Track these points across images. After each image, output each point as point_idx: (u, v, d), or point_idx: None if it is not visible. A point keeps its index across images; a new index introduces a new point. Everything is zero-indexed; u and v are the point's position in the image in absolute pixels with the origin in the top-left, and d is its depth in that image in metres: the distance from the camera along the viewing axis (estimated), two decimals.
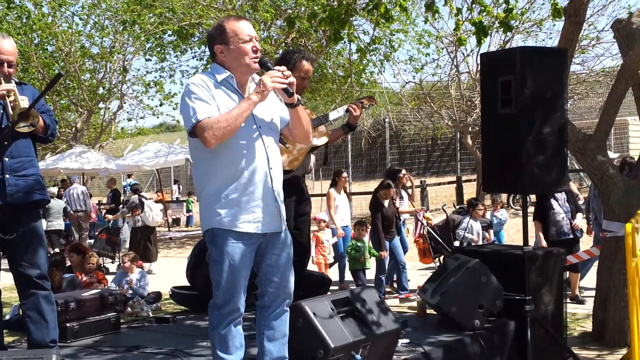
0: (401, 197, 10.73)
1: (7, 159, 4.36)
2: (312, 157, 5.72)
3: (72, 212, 15.95)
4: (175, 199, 26.13)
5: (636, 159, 7.45)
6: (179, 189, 28.23)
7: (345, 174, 11.02)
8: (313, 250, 9.77)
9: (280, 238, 3.88)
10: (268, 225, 3.78)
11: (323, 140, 5.48)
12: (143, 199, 13.49)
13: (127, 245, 13.79)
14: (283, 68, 3.77)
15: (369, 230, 9.50)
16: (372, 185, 23.02)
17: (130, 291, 8.67)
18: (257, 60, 3.80)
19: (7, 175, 4.34)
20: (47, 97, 4.86)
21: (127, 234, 14.09)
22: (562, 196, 8.77)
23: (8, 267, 4.54)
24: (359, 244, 9.22)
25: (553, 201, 8.69)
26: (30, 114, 4.28)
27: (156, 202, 24.78)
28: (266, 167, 3.78)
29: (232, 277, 3.70)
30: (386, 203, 9.45)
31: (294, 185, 5.23)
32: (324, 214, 10.76)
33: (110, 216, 15.82)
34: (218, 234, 3.70)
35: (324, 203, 21.20)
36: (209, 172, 3.73)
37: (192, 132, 3.64)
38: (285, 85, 3.72)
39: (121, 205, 20.17)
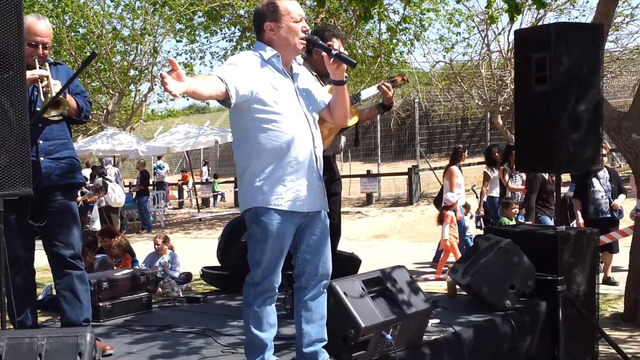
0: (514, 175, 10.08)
1: (41, 142, 4.37)
2: (343, 138, 5.68)
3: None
4: (205, 180, 26.29)
5: None
6: (208, 170, 28.38)
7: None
8: (446, 232, 9.52)
9: (319, 218, 3.87)
10: (312, 204, 3.78)
11: (354, 120, 5.44)
12: (107, 182, 14.66)
13: (95, 225, 14.67)
14: (336, 45, 3.76)
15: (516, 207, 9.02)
16: (401, 166, 23.04)
17: (162, 272, 8.76)
18: (305, 41, 3.78)
19: (42, 158, 4.35)
20: (78, 79, 4.84)
21: (97, 214, 14.83)
22: (604, 174, 8.67)
23: (42, 247, 4.58)
24: (511, 223, 8.67)
25: (594, 179, 8.60)
26: (60, 101, 4.26)
27: (183, 183, 25.16)
28: (311, 145, 3.78)
29: (274, 255, 3.71)
30: (546, 175, 8.88)
31: (325, 166, 5.20)
32: (451, 195, 10.01)
33: (79, 198, 16.21)
34: (262, 212, 3.67)
35: (353, 184, 21.30)
36: (253, 149, 3.69)
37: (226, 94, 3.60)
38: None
39: (150, 187, 20.42)
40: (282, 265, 3.79)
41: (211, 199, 24.06)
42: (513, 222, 8.71)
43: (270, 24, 3.75)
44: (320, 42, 3.80)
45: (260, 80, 3.66)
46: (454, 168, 10.15)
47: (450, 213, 9.66)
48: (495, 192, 10.46)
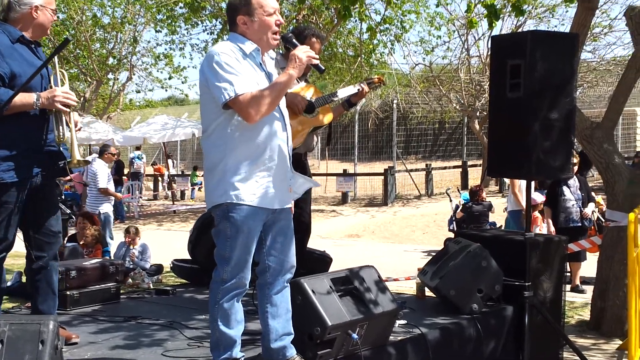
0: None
1: (55, 132, 4.19)
2: (316, 137, 5.70)
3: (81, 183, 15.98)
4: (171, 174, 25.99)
5: None
6: (173, 163, 27.83)
7: None
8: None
9: (285, 213, 3.88)
10: (280, 201, 3.78)
11: (328, 117, 5.45)
12: None
13: None
14: (307, 47, 3.75)
15: None
16: (378, 166, 23.12)
17: (131, 262, 8.72)
18: (278, 36, 3.77)
19: (62, 148, 4.21)
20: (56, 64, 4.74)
21: None
22: (574, 183, 8.75)
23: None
24: None
25: (564, 187, 8.67)
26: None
27: (158, 175, 24.95)
28: (285, 143, 3.78)
29: (243, 253, 3.69)
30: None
31: (295, 163, 5.20)
32: (537, 195, 9.44)
33: None
34: (233, 208, 3.64)
35: (329, 183, 21.33)
36: (227, 145, 3.64)
37: (227, 105, 3.58)
38: (317, 61, 3.74)
39: (125, 177, 20.28)
40: (251, 261, 3.78)
41: (187, 192, 23.96)
42: None
43: (243, 17, 3.70)
44: (293, 40, 3.81)
45: (244, 76, 3.62)
46: None
47: (536, 214, 9.52)
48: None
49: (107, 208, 10.25)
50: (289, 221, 3.92)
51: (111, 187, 10.50)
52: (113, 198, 10.55)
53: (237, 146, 3.64)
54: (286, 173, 3.81)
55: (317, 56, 3.74)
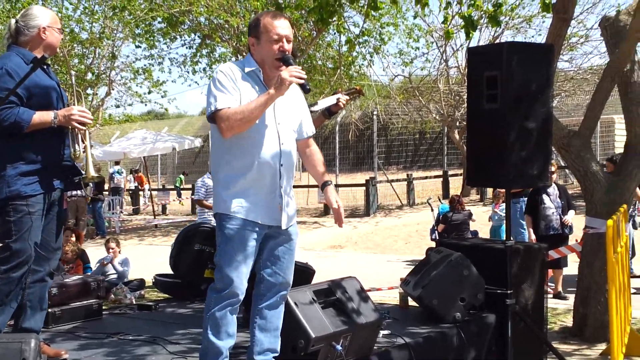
0: None
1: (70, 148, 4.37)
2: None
3: (67, 196, 15.82)
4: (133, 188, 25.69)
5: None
6: (133, 179, 27.15)
7: None
8: None
9: (285, 232, 3.94)
10: (267, 218, 3.85)
11: None
12: None
13: None
14: (297, 68, 3.76)
15: None
16: (359, 177, 23.16)
17: (113, 276, 8.71)
18: (280, 62, 3.80)
19: (75, 162, 4.37)
20: (74, 84, 4.93)
21: None
22: (554, 191, 8.81)
23: None
24: None
25: (544, 196, 8.73)
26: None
27: (139, 189, 24.80)
28: (277, 163, 3.84)
29: (234, 262, 3.75)
30: None
31: None
32: None
33: None
34: (224, 218, 3.79)
35: (312, 194, 21.34)
36: (222, 158, 3.84)
37: (210, 119, 3.75)
38: (302, 81, 3.76)
39: (106, 192, 20.16)
40: (247, 273, 3.81)
41: (168, 206, 23.86)
42: None
43: (252, 39, 3.86)
44: (290, 61, 3.80)
45: (240, 96, 3.73)
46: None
47: None
48: None
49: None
50: (289, 238, 3.97)
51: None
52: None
53: (230, 160, 3.81)
54: (276, 191, 3.87)
55: (303, 75, 3.72)
